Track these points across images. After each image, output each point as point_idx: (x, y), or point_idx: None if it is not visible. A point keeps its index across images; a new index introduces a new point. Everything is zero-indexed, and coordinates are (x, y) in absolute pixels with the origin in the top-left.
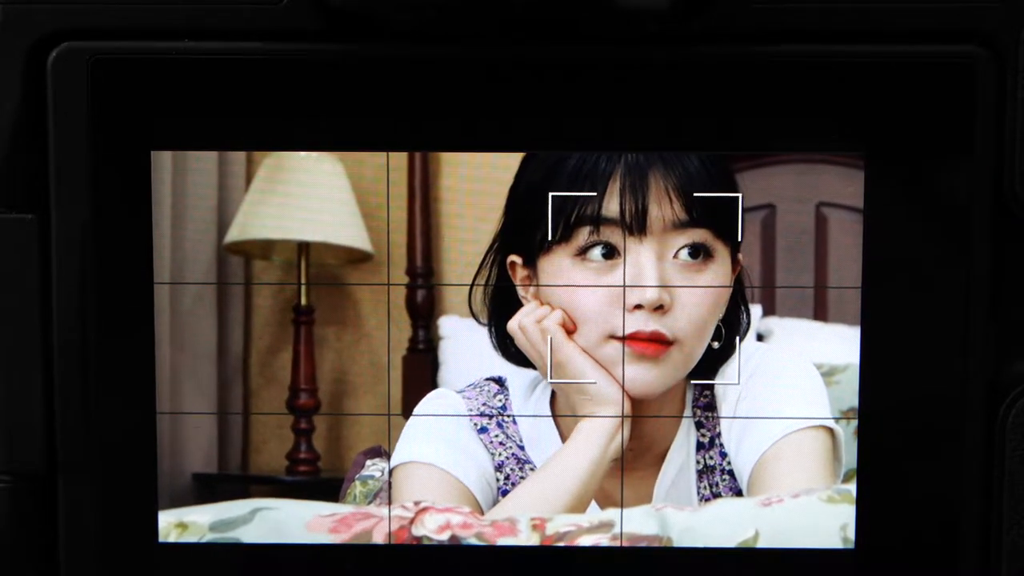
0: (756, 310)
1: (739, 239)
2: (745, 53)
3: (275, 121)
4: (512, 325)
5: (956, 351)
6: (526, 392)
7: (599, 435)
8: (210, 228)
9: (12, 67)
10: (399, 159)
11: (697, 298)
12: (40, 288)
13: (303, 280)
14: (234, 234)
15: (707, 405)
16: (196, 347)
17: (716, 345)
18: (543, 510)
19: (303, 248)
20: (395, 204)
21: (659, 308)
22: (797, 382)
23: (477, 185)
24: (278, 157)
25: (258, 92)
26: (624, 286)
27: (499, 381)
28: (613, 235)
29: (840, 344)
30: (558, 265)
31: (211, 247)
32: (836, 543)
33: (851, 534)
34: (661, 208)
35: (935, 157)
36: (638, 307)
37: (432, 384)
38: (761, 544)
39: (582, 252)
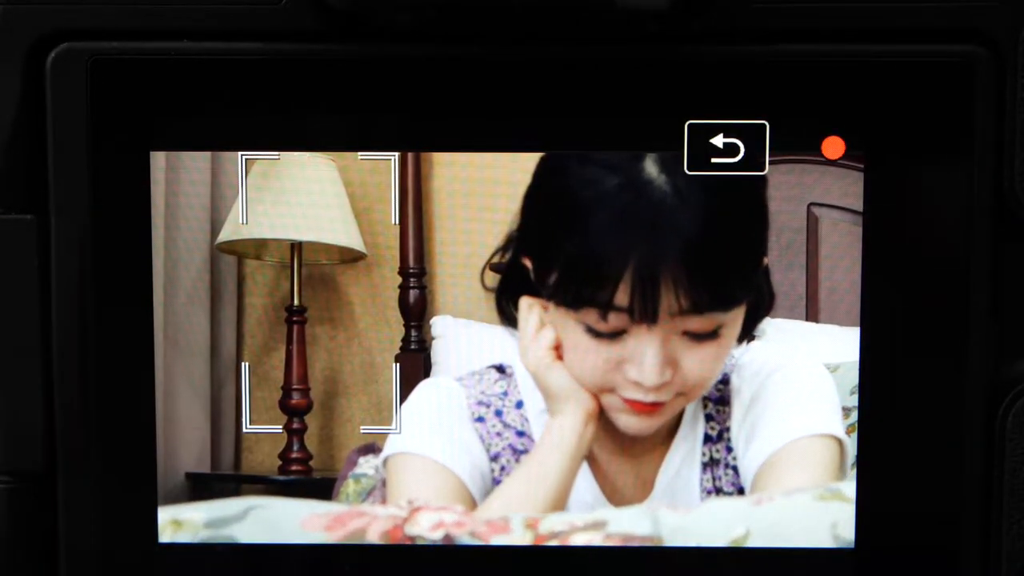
0: None
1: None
2: (744, 53)
3: (275, 121)
4: (524, 360)
5: (956, 351)
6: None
7: (569, 433)
8: (203, 228)
9: (12, 67)
10: (392, 158)
11: (704, 364)
12: (40, 288)
13: (295, 280)
14: (227, 234)
15: (720, 399)
16: (189, 346)
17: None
18: (526, 507)
19: (296, 247)
20: (387, 204)
21: (661, 386)
22: (811, 389)
23: (469, 186)
24: (271, 156)
25: (258, 92)
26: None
27: (501, 369)
28: (621, 319)
29: (832, 344)
30: (563, 321)
31: (204, 247)
32: (828, 541)
33: (842, 532)
34: (668, 302)
35: (935, 157)
36: (637, 384)
37: None
38: (752, 542)
39: (590, 329)
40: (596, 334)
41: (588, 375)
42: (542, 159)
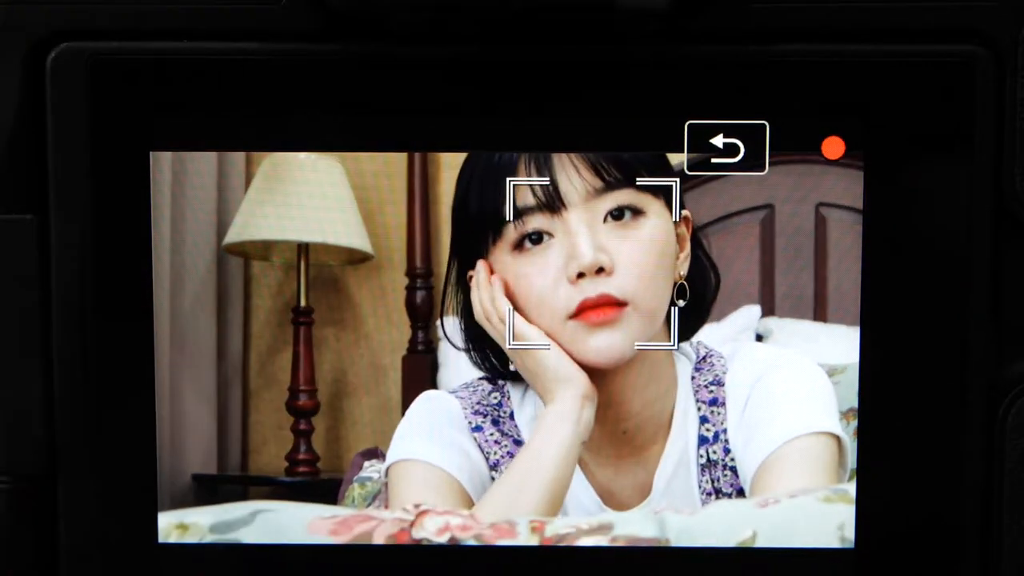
0: (755, 310)
1: (678, 191)
2: (744, 53)
3: (275, 121)
4: (479, 318)
5: (956, 351)
6: (522, 390)
7: (565, 417)
8: (210, 229)
9: (12, 67)
10: (399, 160)
11: (637, 255)
12: (40, 288)
13: (302, 281)
14: (233, 235)
15: (713, 400)
16: (196, 348)
17: (682, 303)
18: (522, 500)
19: (303, 249)
20: (395, 206)
21: (600, 271)
22: (807, 387)
23: None
24: (277, 158)
25: (258, 92)
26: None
27: (493, 380)
28: (536, 220)
29: (839, 345)
30: (503, 263)
31: (211, 248)
32: (833, 543)
33: (848, 533)
34: (571, 180)
35: (935, 157)
36: (580, 276)
37: (431, 385)
38: (759, 544)
39: (517, 245)
40: (528, 252)
41: (547, 299)
42: (457, 177)
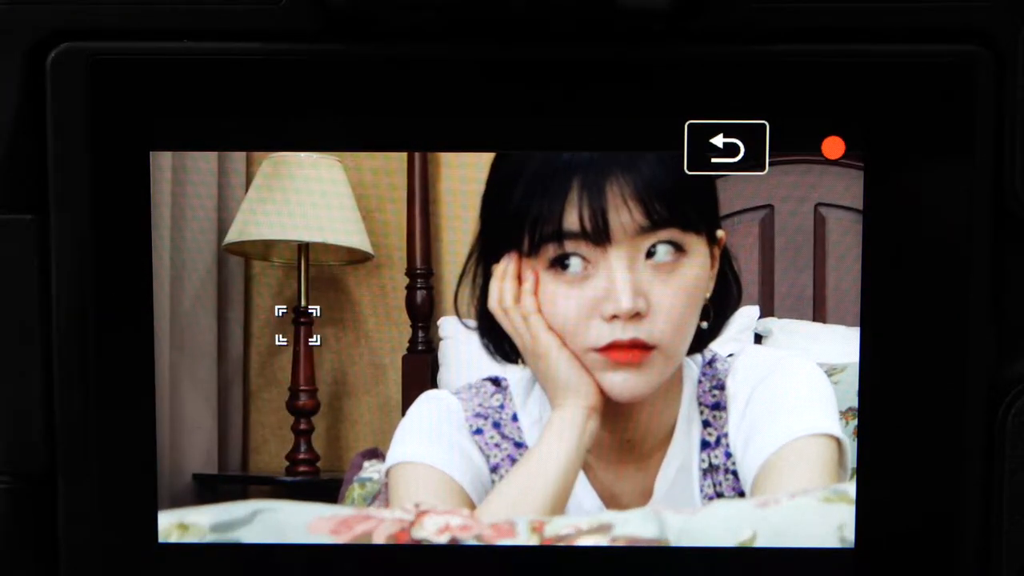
0: (754, 310)
1: (717, 215)
2: (744, 53)
3: (275, 121)
4: (493, 305)
5: (956, 351)
6: (525, 390)
7: (571, 426)
8: (210, 229)
9: (12, 67)
10: (398, 160)
11: (672, 298)
12: (40, 288)
13: (303, 280)
14: (234, 235)
15: (715, 404)
16: (196, 348)
17: (704, 325)
18: (525, 505)
19: (303, 249)
20: (395, 205)
21: (636, 315)
22: (808, 389)
23: (476, 186)
24: (277, 158)
25: (258, 92)
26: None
27: (496, 381)
28: (579, 247)
29: (839, 345)
30: (535, 270)
31: (211, 248)
32: (833, 543)
33: (848, 534)
34: (620, 216)
35: (935, 157)
36: (615, 317)
37: (431, 385)
38: (759, 544)
39: (553, 265)
40: (564, 276)
41: (574, 329)
42: (493, 162)
